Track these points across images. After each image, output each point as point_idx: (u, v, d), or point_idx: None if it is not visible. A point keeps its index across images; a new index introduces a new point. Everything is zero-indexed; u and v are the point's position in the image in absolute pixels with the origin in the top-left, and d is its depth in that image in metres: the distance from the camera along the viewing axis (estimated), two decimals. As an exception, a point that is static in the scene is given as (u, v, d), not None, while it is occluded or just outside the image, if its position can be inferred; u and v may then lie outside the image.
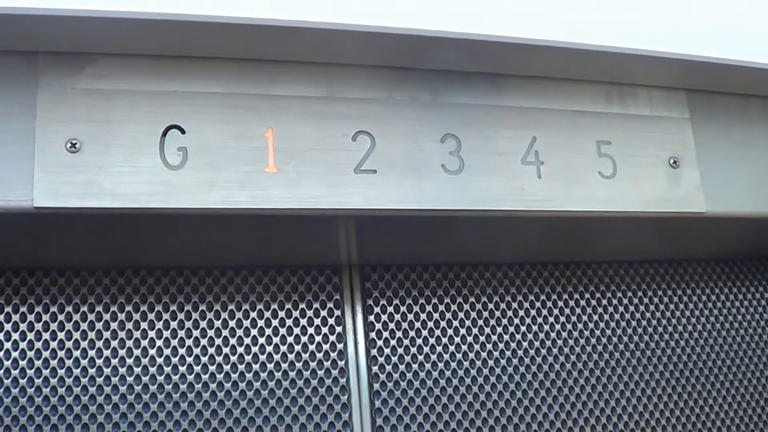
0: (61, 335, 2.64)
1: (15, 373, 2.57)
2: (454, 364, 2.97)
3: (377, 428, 2.82)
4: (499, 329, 3.07)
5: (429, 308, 3.02)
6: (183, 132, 2.32)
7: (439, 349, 2.98)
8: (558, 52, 2.61)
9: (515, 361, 3.05)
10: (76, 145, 2.23)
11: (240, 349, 2.78)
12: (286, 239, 2.67)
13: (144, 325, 2.72)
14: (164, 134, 2.30)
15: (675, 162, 2.79)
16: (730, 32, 2.93)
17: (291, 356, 2.82)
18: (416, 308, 3.01)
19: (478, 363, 3.00)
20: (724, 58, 2.81)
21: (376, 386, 2.87)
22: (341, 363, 2.86)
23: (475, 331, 3.04)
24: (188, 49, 2.36)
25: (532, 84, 2.71)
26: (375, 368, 2.89)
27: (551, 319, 3.15)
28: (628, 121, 2.79)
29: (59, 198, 2.18)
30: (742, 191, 2.89)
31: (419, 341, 2.97)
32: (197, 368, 2.72)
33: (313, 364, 2.83)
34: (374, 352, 2.90)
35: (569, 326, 3.16)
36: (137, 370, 2.67)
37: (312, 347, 2.85)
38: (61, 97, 2.26)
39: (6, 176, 2.18)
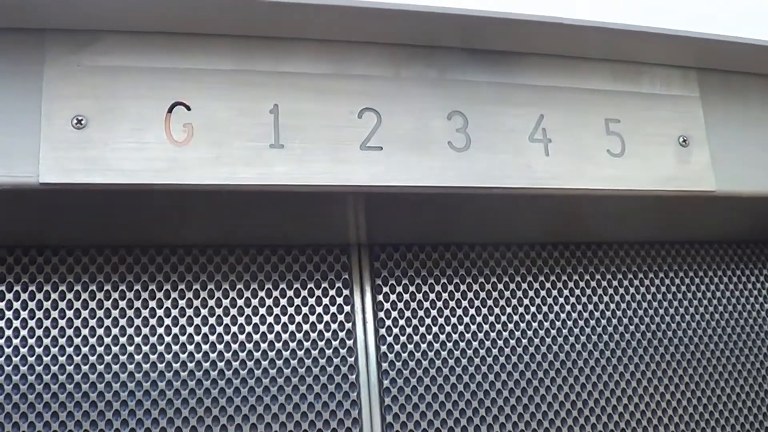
0: (69, 313, 2.66)
1: (24, 351, 2.59)
2: (462, 344, 2.97)
3: (385, 407, 2.82)
4: (509, 309, 3.06)
5: (438, 288, 3.01)
6: (189, 108, 2.32)
7: (447, 328, 2.97)
8: (566, 30, 2.59)
9: (524, 341, 3.04)
10: (82, 122, 2.23)
11: (248, 328, 2.78)
12: (293, 217, 2.66)
13: (152, 303, 2.73)
14: (170, 111, 2.31)
15: (684, 140, 2.76)
16: (743, 10, 2.89)
17: (299, 335, 2.82)
18: (425, 288, 3.00)
19: (487, 343, 3.00)
20: (735, 37, 2.78)
21: (385, 366, 2.86)
22: (350, 342, 2.86)
23: (484, 311, 3.04)
24: (194, 26, 2.37)
25: (540, 62, 2.69)
26: (384, 348, 2.88)
27: (561, 300, 3.13)
28: (637, 99, 2.77)
29: (65, 174, 2.19)
30: (754, 170, 2.86)
31: (428, 321, 2.96)
32: (206, 347, 2.73)
33: (321, 344, 2.83)
34: (383, 331, 2.90)
35: (579, 307, 3.15)
36: (145, 348, 2.68)
37: (320, 326, 2.85)
38: (68, 74, 2.27)
39: (12, 152, 2.19)
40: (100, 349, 2.65)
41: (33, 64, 2.27)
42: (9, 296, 2.63)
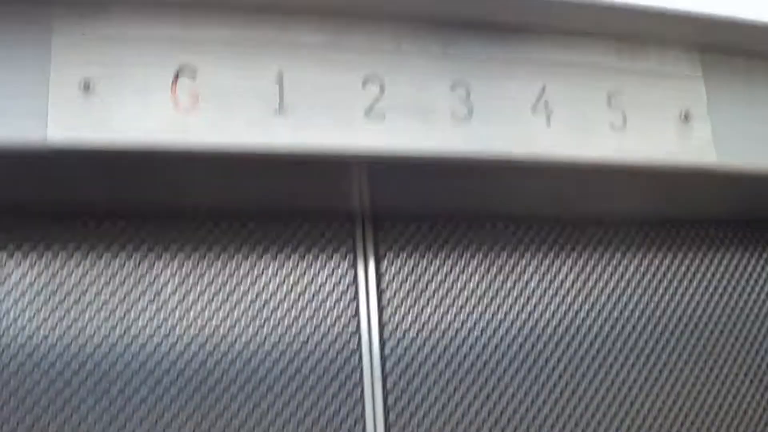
0: (72, 279, 2.70)
1: (29, 315, 2.63)
2: (462, 316, 2.99)
3: (387, 375, 2.84)
4: (508, 284, 3.08)
5: (440, 259, 3.03)
6: (194, 75, 2.35)
7: (448, 300, 2.99)
8: (571, 6, 2.61)
9: (524, 315, 3.06)
10: (89, 87, 2.27)
11: (250, 296, 2.81)
12: (297, 185, 2.68)
13: (155, 271, 2.76)
14: (176, 77, 2.34)
15: (686, 116, 2.78)
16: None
17: (302, 303, 2.85)
18: (427, 259, 3.02)
19: (487, 316, 3.02)
20: (739, 17, 2.79)
21: (386, 334, 2.89)
22: (351, 311, 2.88)
23: (483, 285, 3.06)
24: (200, -6, 2.40)
25: (544, 37, 2.71)
26: (385, 317, 2.91)
27: (560, 277, 3.15)
28: (640, 75, 2.78)
29: (71, 134, 2.23)
30: (755, 146, 2.87)
31: (429, 292, 2.99)
32: (207, 316, 2.76)
33: (324, 312, 2.86)
34: (385, 301, 2.92)
35: (578, 284, 3.17)
36: (145, 318, 2.72)
37: (323, 295, 2.88)
38: (75, 42, 2.30)
39: (22, 114, 2.23)
40: (100, 317, 2.68)
41: (42, 34, 2.30)
42: (11, 263, 2.68)
